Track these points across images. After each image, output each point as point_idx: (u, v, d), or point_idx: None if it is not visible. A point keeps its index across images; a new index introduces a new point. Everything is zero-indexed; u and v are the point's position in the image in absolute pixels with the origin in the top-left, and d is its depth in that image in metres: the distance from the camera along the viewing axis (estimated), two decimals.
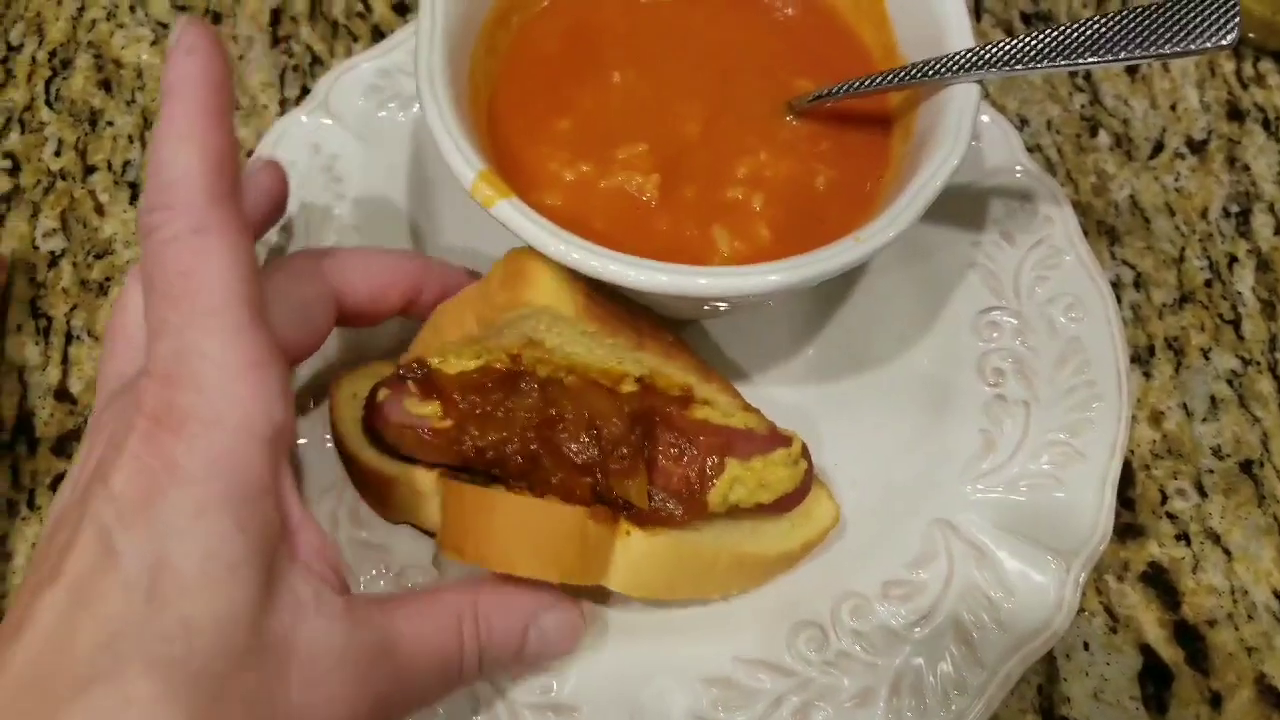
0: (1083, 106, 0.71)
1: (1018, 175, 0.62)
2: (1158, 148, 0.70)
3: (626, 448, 0.47)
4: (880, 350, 0.59)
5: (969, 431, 0.57)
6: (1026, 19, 0.74)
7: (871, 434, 0.57)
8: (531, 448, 0.47)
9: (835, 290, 0.61)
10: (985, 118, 0.64)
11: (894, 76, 0.52)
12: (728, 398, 0.51)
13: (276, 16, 0.70)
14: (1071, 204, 0.62)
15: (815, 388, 0.59)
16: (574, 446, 0.47)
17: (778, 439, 0.50)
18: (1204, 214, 0.68)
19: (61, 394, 0.58)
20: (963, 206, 0.62)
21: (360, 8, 0.71)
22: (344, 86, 0.62)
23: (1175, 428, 0.62)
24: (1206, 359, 0.64)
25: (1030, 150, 0.68)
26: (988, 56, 0.50)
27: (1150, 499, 0.60)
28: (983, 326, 0.59)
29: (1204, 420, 0.62)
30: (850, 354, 0.59)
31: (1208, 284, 0.66)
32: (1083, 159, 0.69)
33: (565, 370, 0.49)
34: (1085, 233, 0.61)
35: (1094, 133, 0.70)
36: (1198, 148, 0.70)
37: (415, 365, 0.50)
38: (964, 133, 0.50)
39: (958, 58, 0.51)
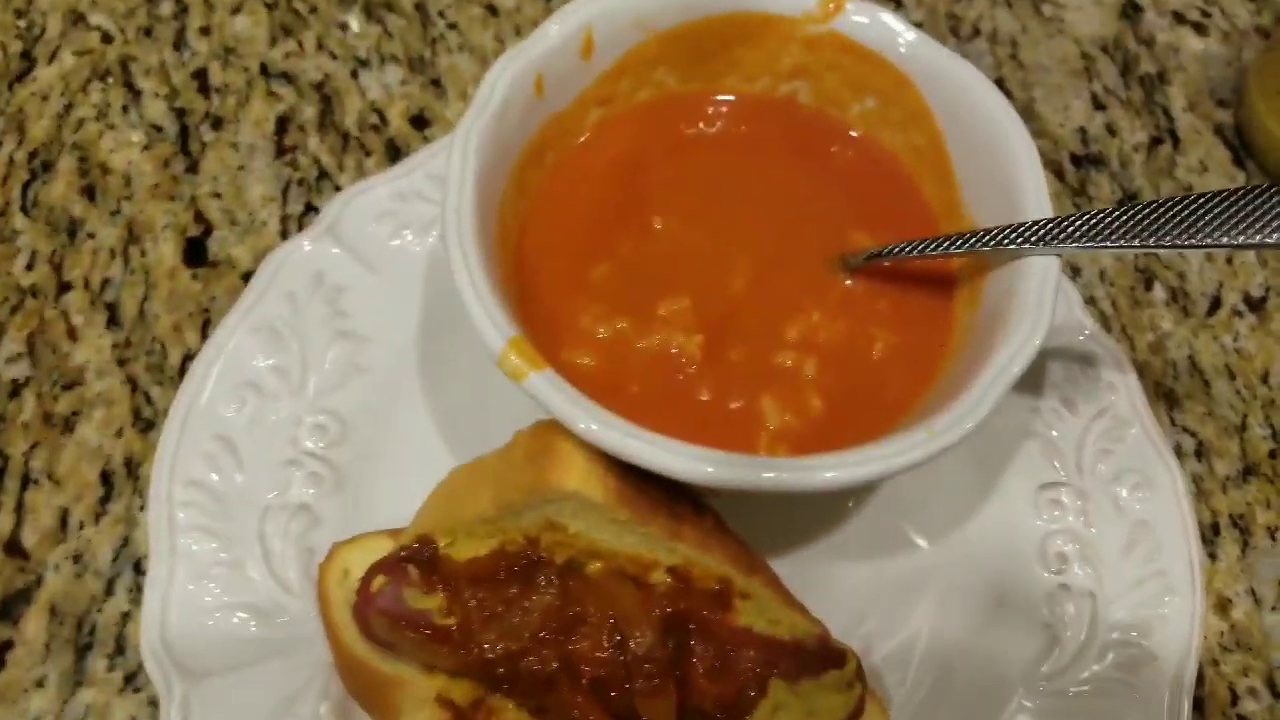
0: (1136, 257, 0.67)
1: (1081, 338, 0.58)
2: (1215, 304, 0.66)
3: (655, 663, 0.41)
4: (933, 525, 0.54)
5: (1031, 626, 0.51)
6: (1077, 161, 0.70)
7: (925, 624, 0.51)
8: (547, 666, 0.41)
9: None
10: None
11: (964, 241, 0.48)
12: (770, 592, 0.45)
13: (283, 124, 0.65)
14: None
15: (862, 566, 0.53)
16: (596, 656, 0.41)
17: (829, 655, 0.44)
18: (1265, 378, 0.64)
19: (12, 547, 0.51)
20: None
21: (375, 119, 0.66)
22: (355, 211, 0.56)
23: (1244, 617, 0.57)
24: (1274, 539, 0.59)
25: (1086, 303, 0.64)
26: (1070, 230, 0.46)
27: (1220, 699, 0.54)
28: (1044, 504, 0.54)
29: (1274, 608, 0.57)
30: (901, 528, 0.54)
31: (1272, 454, 0.61)
32: (1138, 314, 0.65)
33: (588, 555, 0.44)
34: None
35: (1149, 285, 0.66)
36: (1256, 305, 0.66)
37: (420, 545, 0.44)
38: (1045, 311, 0.45)
39: (1036, 229, 0.46)
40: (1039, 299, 0.45)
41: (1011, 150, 0.50)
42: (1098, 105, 0.73)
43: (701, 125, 0.55)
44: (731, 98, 0.56)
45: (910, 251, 0.49)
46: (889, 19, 0.53)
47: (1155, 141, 0.72)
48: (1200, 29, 0.77)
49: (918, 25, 0.75)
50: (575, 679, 0.42)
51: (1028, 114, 0.72)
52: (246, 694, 0.46)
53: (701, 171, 0.53)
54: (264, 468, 0.50)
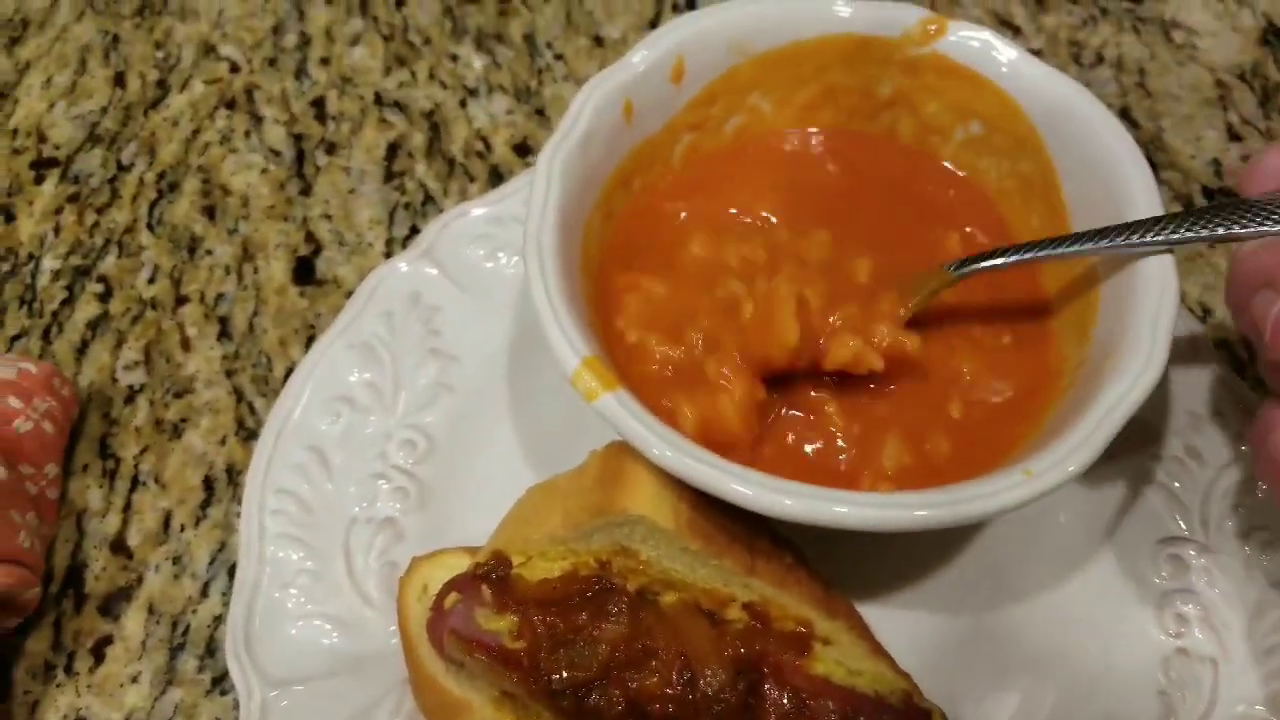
0: None
1: (1209, 381, 0.54)
2: None
3: (725, 705, 0.40)
4: (1038, 577, 0.50)
5: (1143, 694, 0.47)
6: (1209, 194, 0.66)
7: (1021, 687, 0.48)
8: (614, 703, 0.40)
9: None
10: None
11: (1056, 243, 0.45)
12: (853, 638, 0.43)
13: (393, 150, 0.67)
14: None
15: (957, 619, 0.50)
16: (665, 694, 0.40)
17: (914, 714, 0.41)
18: None
19: (118, 545, 0.53)
20: (1141, 411, 0.53)
21: (480, 146, 0.67)
22: (453, 233, 0.57)
23: None
24: None
25: (1216, 345, 0.59)
26: (1182, 221, 0.43)
27: None
28: (1163, 560, 0.50)
29: None
30: (1001, 579, 0.50)
31: None
32: None
33: (662, 584, 0.42)
34: None
35: None
36: None
37: (495, 562, 0.44)
38: (1160, 344, 0.42)
39: (1143, 225, 0.43)
40: (1153, 329, 0.42)
41: (1126, 177, 0.47)
42: (1233, 136, 0.68)
43: (793, 157, 0.54)
44: (823, 129, 0.55)
45: (1011, 258, 0.46)
46: (994, 39, 0.51)
47: None
48: None
49: (1036, 53, 0.73)
50: (642, 717, 0.40)
51: (1155, 144, 0.68)
52: (323, 704, 0.46)
53: (791, 206, 0.52)
54: (352, 480, 0.51)
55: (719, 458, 0.41)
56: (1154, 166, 0.67)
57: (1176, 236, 0.43)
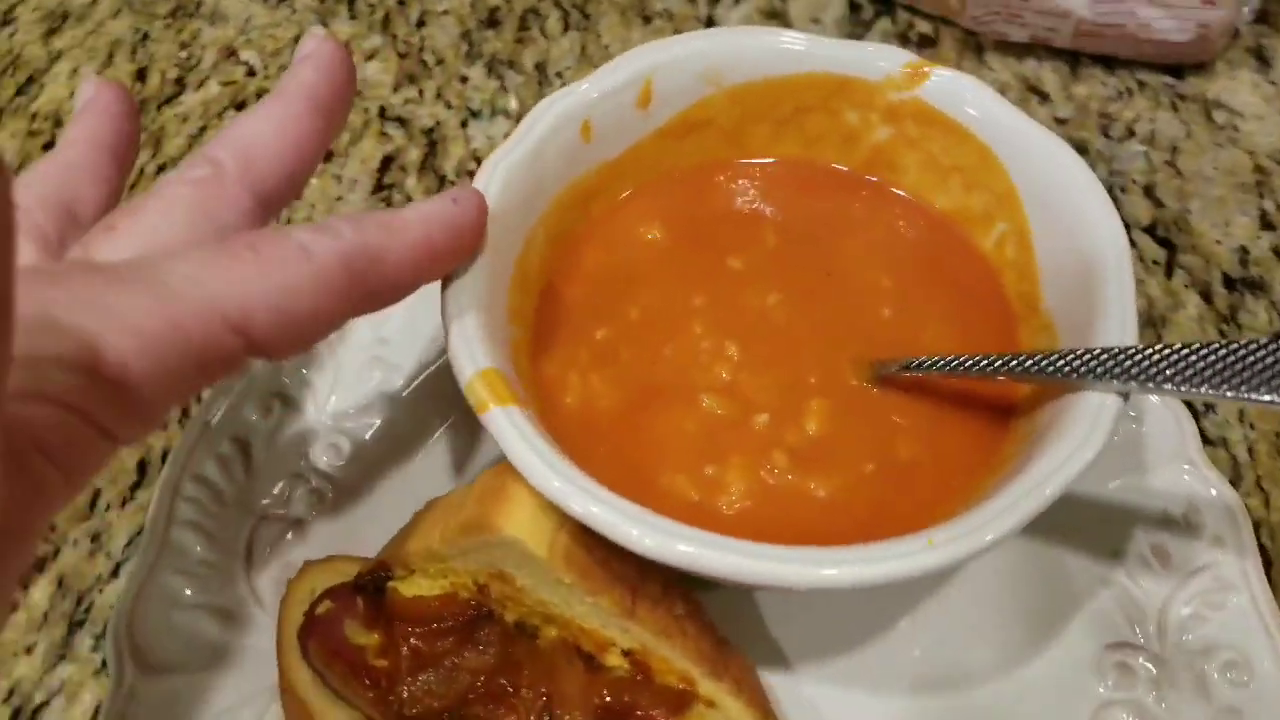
0: None
1: (1185, 476, 0.49)
2: None
3: None
4: (967, 666, 0.46)
5: None
6: (1230, 283, 0.61)
7: None
8: None
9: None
10: (1154, 397, 0.51)
11: (1004, 364, 0.42)
12: (741, 704, 0.40)
13: (387, 163, 0.68)
14: (1255, 527, 0.48)
15: (878, 698, 0.46)
16: None
17: None
18: None
19: None
20: (1108, 502, 0.49)
21: (473, 166, 0.67)
22: None
23: None
24: None
25: (1210, 443, 0.55)
26: (1144, 363, 0.38)
27: None
28: (1109, 666, 0.45)
29: None
30: (927, 663, 0.46)
31: None
32: None
33: (542, 617, 0.40)
34: (1269, 568, 0.47)
35: None
36: None
37: (377, 572, 0.42)
38: (1098, 434, 0.38)
39: (1103, 359, 0.39)
40: (1093, 423, 0.38)
41: (1100, 253, 0.44)
42: (1266, 224, 0.63)
43: (759, 195, 0.52)
44: (790, 163, 0.53)
45: (944, 368, 0.43)
46: (974, 85, 0.48)
47: None
48: None
49: (1062, 122, 0.70)
50: None
51: (1179, 225, 0.64)
52: (194, 695, 0.45)
53: (749, 244, 0.50)
54: (271, 477, 0.51)
55: (611, 493, 0.38)
56: (1173, 249, 0.63)
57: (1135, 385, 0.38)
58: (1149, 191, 0.65)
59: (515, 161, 0.46)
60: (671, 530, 0.37)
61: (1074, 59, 0.71)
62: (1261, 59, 0.71)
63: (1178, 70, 0.71)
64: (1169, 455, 0.50)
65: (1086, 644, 0.46)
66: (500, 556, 0.39)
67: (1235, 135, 0.68)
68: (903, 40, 0.72)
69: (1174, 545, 0.48)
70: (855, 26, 0.73)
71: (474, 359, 0.40)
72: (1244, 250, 0.63)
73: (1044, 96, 0.70)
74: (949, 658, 0.46)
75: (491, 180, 0.45)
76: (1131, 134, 0.68)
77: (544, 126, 0.47)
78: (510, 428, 0.39)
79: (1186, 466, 0.49)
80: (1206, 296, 0.61)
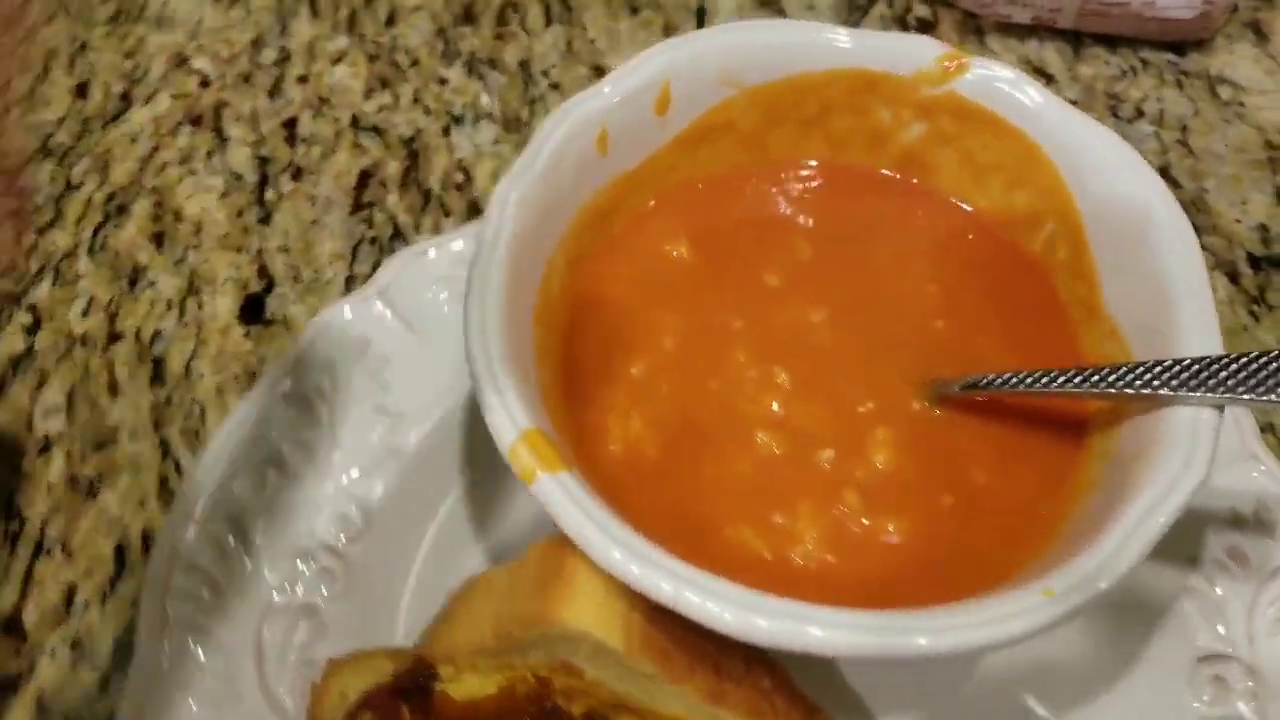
0: None
1: (1255, 474, 0.47)
2: None
3: None
4: (1058, 697, 0.43)
5: None
6: (1255, 262, 0.59)
7: None
8: None
9: None
10: None
11: (1085, 379, 0.39)
12: None
13: (364, 179, 0.62)
14: None
15: None
16: None
17: None
18: None
19: (11, 624, 0.47)
20: None
21: (460, 178, 0.62)
22: (411, 273, 0.51)
23: None
24: None
25: (1264, 430, 0.53)
26: (1240, 373, 0.36)
27: None
28: (1202, 681, 0.43)
29: None
30: (1018, 700, 0.43)
31: None
32: None
33: (613, 708, 0.36)
34: None
35: None
36: None
37: (419, 671, 0.37)
38: (1202, 448, 0.36)
39: (1194, 369, 0.37)
40: (1192, 439, 0.36)
41: (1166, 246, 0.41)
42: None
43: (788, 202, 0.49)
44: (819, 166, 0.49)
45: (1016, 385, 0.40)
46: (1017, 77, 0.45)
47: None
48: None
49: (1072, 103, 0.67)
50: None
51: (1198, 206, 0.62)
52: None
53: (782, 256, 0.46)
54: (273, 559, 0.45)
55: (679, 561, 0.34)
56: (1195, 230, 0.61)
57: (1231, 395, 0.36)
58: (1164, 173, 0.63)
59: (530, 187, 0.41)
60: (748, 603, 0.33)
61: (1075, 39, 0.69)
62: (1259, 32, 0.70)
63: (1179, 47, 0.68)
64: (1231, 453, 0.48)
65: (1177, 658, 0.43)
66: (567, 649, 0.35)
67: (1242, 111, 0.66)
68: (901, 24, 0.69)
69: (1249, 545, 0.46)
70: (852, 12, 0.69)
71: (513, 419, 0.36)
72: (1264, 228, 0.61)
73: (1049, 79, 0.67)
74: (1034, 695, 0.43)
75: (505, 213, 0.40)
76: (1140, 114, 0.66)
77: (556, 143, 0.43)
78: (565, 499, 0.34)
79: (1256, 471, 0.47)
80: (1233, 277, 0.59)
